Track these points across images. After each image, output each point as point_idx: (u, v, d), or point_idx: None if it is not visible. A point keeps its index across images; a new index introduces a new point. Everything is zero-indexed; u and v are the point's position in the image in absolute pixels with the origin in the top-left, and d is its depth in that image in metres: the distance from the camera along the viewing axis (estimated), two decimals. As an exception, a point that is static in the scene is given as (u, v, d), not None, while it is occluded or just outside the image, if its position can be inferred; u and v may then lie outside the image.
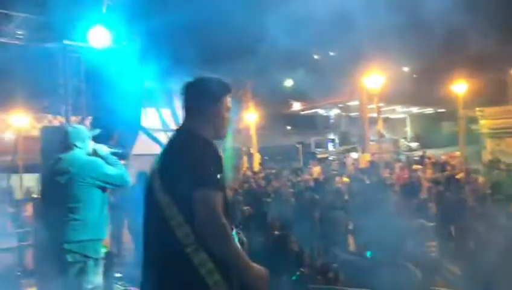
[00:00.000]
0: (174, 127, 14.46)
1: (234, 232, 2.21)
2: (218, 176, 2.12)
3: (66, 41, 7.44)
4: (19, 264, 7.79)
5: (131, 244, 8.20)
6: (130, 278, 5.07)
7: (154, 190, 2.20)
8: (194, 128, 2.32)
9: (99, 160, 3.80)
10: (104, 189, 3.73)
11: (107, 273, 3.86)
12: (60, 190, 3.65)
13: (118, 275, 5.20)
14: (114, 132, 6.03)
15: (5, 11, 7.46)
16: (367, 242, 6.32)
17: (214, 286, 2.01)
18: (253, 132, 21.74)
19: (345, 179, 12.28)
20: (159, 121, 14.40)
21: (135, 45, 8.16)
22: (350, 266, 5.19)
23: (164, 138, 14.29)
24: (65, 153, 3.77)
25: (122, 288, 4.71)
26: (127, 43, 8.03)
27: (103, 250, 3.72)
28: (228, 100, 2.42)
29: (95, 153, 3.87)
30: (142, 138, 13.73)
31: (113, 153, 3.93)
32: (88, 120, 8.80)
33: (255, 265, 2.10)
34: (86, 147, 3.84)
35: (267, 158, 24.76)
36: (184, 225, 2.06)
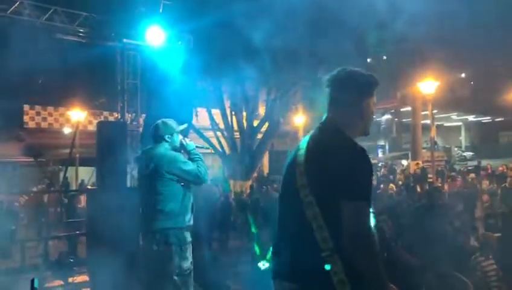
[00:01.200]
0: (223, 127, 14.71)
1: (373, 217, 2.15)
2: (370, 186, 2.06)
3: (125, 40, 7.69)
4: (71, 252, 8.14)
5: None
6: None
7: (296, 186, 2.11)
8: (342, 124, 2.18)
9: (178, 155, 3.85)
10: (183, 182, 3.81)
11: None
12: (146, 182, 3.83)
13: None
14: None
15: (69, 10, 7.81)
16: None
17: None
18: (300, 134, 21.65)
19: (392, 186, 11.98)
20: (209, 120, 14.67)
21: (188, 45, 8.35)
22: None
23: (213, 136, 14.61)
24: (153, 146, 3.91)
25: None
26: (181, 42, 8.23)
27: (188, 236, 3.79)
28: (375, 95, 2.30)
29: (182, 147, 3.97)
30: (191, 136, 14.09)
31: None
32: (142, 117, 9.08)
33: (391, 286, 2.04)
34: (174, 141, 3.94)
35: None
36: (324, 229, 2.00)
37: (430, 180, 13.58)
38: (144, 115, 8.72)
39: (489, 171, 16.43)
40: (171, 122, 3.97)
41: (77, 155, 15.81)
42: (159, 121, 3.96)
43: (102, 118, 16.77)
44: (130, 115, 8.84)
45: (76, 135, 12.01)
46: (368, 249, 1.95)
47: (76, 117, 17.12)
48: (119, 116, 8.88)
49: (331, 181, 1.99)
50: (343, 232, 1.94)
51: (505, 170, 15.79)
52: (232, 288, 5.85)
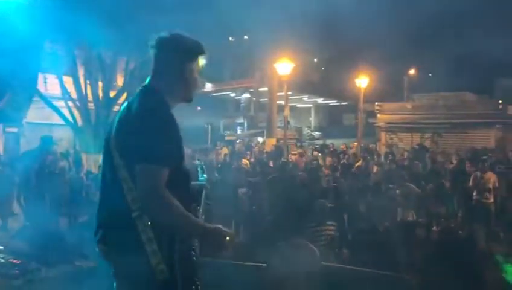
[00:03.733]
0: (76, 96, 13.67)
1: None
2: (171, 150, 2.08)
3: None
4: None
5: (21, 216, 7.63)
6: (13, 250, 4.72)
7: (110, 150, 2.15)
8: (160, 88, 2.20)
9: None
10: None
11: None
12: None
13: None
14: (5, 91, 5.49)
15: None
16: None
17: (151, 255, 2.02)
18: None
19: (245, 161, 12.53)
20: (60, 88, 13.49)
21: (41, 2, 7.50)
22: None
23: (63, 107, 13.50)
24: None
25: (3, 261, 4.38)
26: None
27: None
28: (201, 61, 2.31)
29: None
30: (39, 105, 12.81)
31: None
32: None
33: (212, 225, 2.11)
34: None
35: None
36: (133, 190, 2.05)
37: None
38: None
39: (332, 149, 18.19)
40: None
41: None
42: None
43: None
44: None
45: None
46: (162, 210, 2.00)
47: None
48: None
49: (132, 144, 2.05)
50: (138, 192, 2.02)
51: (345, 149, 17.67)
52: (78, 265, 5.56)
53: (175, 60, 2.23)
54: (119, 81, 14.66)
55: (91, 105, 13.61)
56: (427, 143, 20.43)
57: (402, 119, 22.88)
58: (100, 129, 13.11)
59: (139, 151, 2.02)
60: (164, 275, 2.02)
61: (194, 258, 2.17)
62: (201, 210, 2.37)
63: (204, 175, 2.69)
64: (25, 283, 4.24)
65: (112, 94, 13.76)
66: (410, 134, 22.46)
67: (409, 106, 24.55)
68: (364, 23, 16.98)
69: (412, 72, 34.46)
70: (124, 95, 13.92)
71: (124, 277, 2.14)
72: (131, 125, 2.10)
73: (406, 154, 14.58)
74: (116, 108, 13.99)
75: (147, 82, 2.26)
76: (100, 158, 9.89)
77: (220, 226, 2.12)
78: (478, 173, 9.21)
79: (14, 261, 4.37)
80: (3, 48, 5.73)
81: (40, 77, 11.77)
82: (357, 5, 16.38)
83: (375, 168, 11.77)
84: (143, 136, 2.02)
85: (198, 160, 2.76)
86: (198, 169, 2.74)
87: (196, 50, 2.28)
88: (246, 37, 25.53)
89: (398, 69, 31.18)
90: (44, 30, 7.58)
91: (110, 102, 13.59)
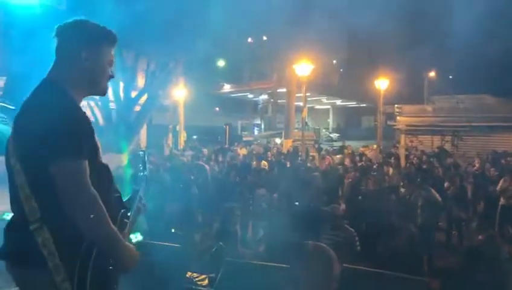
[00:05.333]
0: (97, 96, 13.88)
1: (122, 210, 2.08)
2: (81, 140, 1.85)
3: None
4: None
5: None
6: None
7: (9, 155, 1.92)
8: (60, 79, 1.96)
9: None
10: None
11: None
12: None
13: None
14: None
15: None
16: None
17: (53, 269, 1.79)
18: (181, 110, 21.41)
19: (265, 163, 12.58)
20: None
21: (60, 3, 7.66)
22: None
23: (85, 106, 13.73)
24: None
25: None
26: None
27: None
28: (111, 52, 2.08)
29: None
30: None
31: None
32: (2, 80, 8.16)
33: (127, 244, 1.97)
34: None
35: (195, 137, 24.55)
36: (31, 199, 1.83)
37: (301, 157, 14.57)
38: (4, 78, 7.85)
39: (349, 151, 18.09)
40: None
41: None
42: None
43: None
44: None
45: None
46: (89, 209, 1.80)
47: None
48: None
49: (35, 144, 1.80)
50: (59, 197, 1.78)
51: (364, 151, 17.57)
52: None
53: (78, 47, 1.98)
54: (140, 81, 14.86)
55: (112, 105, 13.84)
56: (447, 146, 20.20)
57: (422, 122, 22.62)
58: (121, 129, 13.32)
59: (49, 150, 1.77)
60: None
61: (111, 272, 1.94)
62: (131, 216, 2.16)
63: (146, 171, 2.41)
64: None
65: (133, 94, 13.97)
66: (430, 137, 22.19)
67: (429, 108, 24.25)
68: (384, 24, 16.85)
69: (432, 74, 34.05)
70: (145, 96, 14.13)
71: None
72: (31, 122, 1.84)
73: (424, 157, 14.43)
74: (137, 108, 14.20)
75: (46, 75, 2.01)
76: (120, 157, 10.09)
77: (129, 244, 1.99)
78: (508, 178, 8.91)
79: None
80: (35, 47, 5.88)
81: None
82: (376, 5, 16.28)
83: (390, 171, 11.69)
84: (49, 131, 1.78)
85: (142, 151, 2.50)
86: (141, 162, 2.44)
87: (100, 36, 2.03)
88: (264, 38, 25.59)
89: (418, 71, 30.85)
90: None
91: (131, 102, 13.81)
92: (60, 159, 1.78)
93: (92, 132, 1.93)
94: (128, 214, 2.15)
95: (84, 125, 1.89)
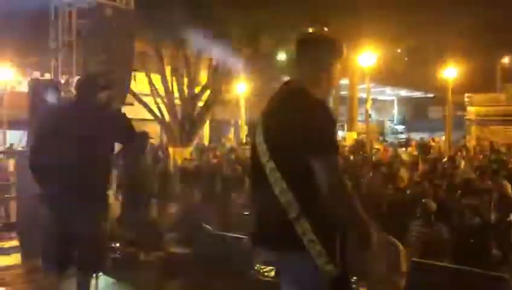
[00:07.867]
0: (163, 93, 14.34)
1: None
2: (336, 139, 2.14)
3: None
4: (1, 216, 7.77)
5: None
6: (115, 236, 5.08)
7: (258, 154, 2.18)
8: (308, 85, 2.21)
9: None
10: None
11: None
12: None
13: None
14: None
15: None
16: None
17: (317, 257, 2.01)
18: (242, 104, 21.62)
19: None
20: (149, 85, 14.24)
21: (130, 4, 7.95)
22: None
23: (152, 103, 14.21)
24: None
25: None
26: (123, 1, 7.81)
27: None
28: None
29: None
30: (129, 100, 13.61)
31: None
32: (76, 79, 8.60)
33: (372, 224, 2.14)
34: None
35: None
36: (287, 193, 2.05)
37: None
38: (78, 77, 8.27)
39: (415, 144, 17.46)
40: None
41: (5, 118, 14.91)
42: None
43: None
44: (63, 77, 8.33)
45: (4, 97, 11.27)
46: (349, 198, 2.04)
47: (4, 77, 15.97)
48: (52, 77, 8.36)
49: (296, 141, 2.03)
50: (324, 189, 1.99)
51: (432, 143, 16.87)
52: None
53: (324, 59, 2.26)
54: (203, 78, 15.17)
55: (177, 101, 14.24)
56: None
57: (495, 112, 21.35)
58: (186, 124, 13.70)
59: (318, 145, 2.01)
60: (333, 274, 2.02)
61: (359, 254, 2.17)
62: None
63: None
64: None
65: (197, 90, 14.30)
66: (503, 127, 20.90)
67: (502, 96, 22.83)
68: (452, 8, 15.99)
69: (505, 60, 31.92)
70: (208, 91, 14.40)
71: (291, 281, 2.17)
72: (290, 125, 2.08)
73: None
74: (200, 103, 14.52)
75: (288, 81, 2.33)
76: (185, 151, 10.39)
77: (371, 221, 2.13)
78: None
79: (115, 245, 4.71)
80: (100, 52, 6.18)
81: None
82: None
83: (462, 163, 11.13)
84: (312, 131, 2.02)
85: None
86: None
87: (341, 50, 2.33)
88: (325, 28, 25.18)
89: (490, 58, 29.00)
90: (135, 32, 8.01)
91: (195, 98, 14.15)
92: (327, 154, 2.02)
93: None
94: None
95: (336, 124, 2.16)
